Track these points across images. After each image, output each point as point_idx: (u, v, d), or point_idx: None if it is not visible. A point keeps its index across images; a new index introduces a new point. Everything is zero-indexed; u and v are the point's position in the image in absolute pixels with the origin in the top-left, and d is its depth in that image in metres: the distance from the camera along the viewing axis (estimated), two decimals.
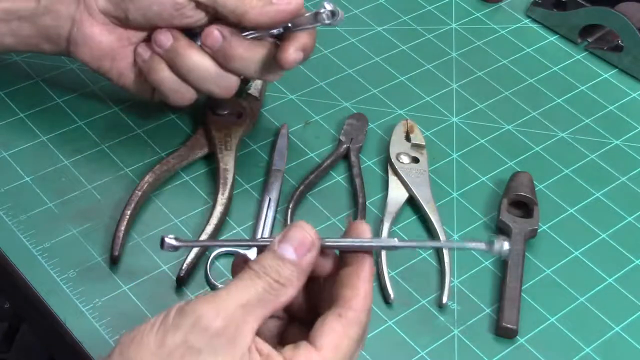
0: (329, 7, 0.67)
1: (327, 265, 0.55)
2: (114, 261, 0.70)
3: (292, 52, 0.69)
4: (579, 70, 0.92)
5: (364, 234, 0.55)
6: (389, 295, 0.70)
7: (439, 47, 0.93)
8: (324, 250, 0.55)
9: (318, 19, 0.68)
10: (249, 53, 0.71)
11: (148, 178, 0.74)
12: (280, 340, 0.56)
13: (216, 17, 0.71)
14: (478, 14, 0.97)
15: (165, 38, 0.71)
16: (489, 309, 0.70)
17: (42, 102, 0.81)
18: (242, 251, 0.70)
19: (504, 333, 0.69)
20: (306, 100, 0.85)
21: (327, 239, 0.55)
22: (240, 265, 0.55)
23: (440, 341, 0.68)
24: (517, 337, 0.69)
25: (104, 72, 0.74)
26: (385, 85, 0.88)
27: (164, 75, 0.72)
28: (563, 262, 0.75)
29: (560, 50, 0.94)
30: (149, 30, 0.72)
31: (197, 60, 0.71)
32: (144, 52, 0.73)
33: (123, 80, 0.75)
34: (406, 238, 0.74)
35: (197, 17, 0.71)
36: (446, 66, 0.90)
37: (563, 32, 0.95)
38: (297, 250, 0.53)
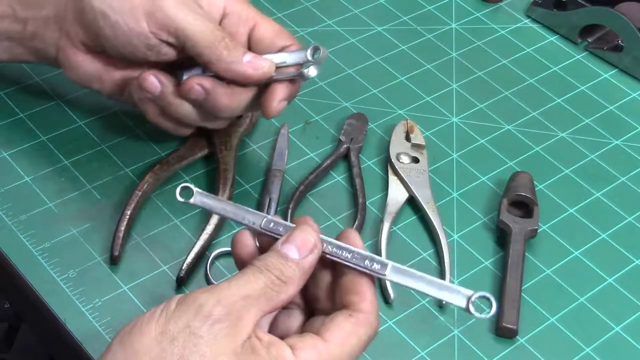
0: (313, 72, 0.68)
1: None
2: (114, 261, 0.70)
3: (275, 104, 0.69)
4: (579, 70, 0.92)
5: (355, 243, 0.56)
6: (389, 295, 0.70)
7: (439, 47, 0.93)
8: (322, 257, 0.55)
9: (303, 75, 0.68)
10: (234, 101, 0.70)
11: (148, 178, 0.74)
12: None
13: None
14: (478, 14, 0.97)
15: (152, 85, 0.70)
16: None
17: (42, 102, 0.81)
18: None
19: (504, 333, 0.69)
20: (306, 100, 0.85)
21: (327, 244, 0.55)
22: (243, 241, 0.56)
23: (440, 341, 0.68)
24: (517, 337, 0.69)
25: (95, 90, 0.75)
26: (385, 85, 0.88)
27: (158, 118, 0.73)
28: (563, 262, 0.75)
29: (560, 50, 0.94)
30: (132, 60, 0.72)
31: (187, 109, 0.71)
32: (136, 93, 0.72)
33: (116, 97, 0.75)
34: (406, 238, 0.74)
35: (171, 54, 0.70)
36: (446, 66, 0.90)
37: (563, 32, 0.95)
38: (299, 250, 0.54)
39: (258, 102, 0.70)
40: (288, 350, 0.51)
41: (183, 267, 0.69)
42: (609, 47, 0.93)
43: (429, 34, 0.94)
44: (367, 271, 0.55)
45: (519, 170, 0.80)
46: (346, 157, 0.80)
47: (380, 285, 0.70)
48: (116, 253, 0.70)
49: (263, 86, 0.70)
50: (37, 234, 0.71)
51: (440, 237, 0.73)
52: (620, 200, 0.80)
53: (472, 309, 0.54)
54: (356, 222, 0.74)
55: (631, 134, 0.86)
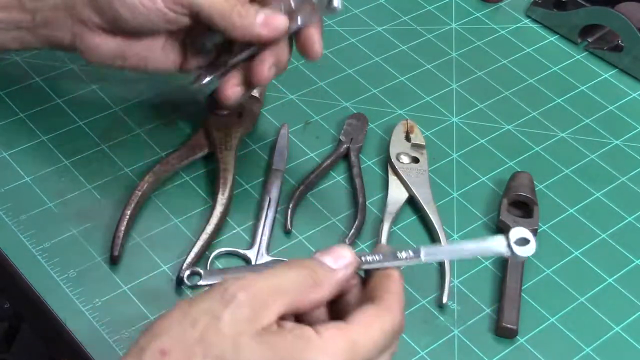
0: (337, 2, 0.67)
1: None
2: (114, 261, 0.70)
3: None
4: (579, 70, 0.92)
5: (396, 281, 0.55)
6: None
7: (439, 47, 0.93)
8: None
9: (332, 8, 0.68)
10: (271, 69, 0.70)
11: (148, 178, 0.74)
12: None
13: None
14: (478, 14, 0.97)
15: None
16: (489, 309, 0.70)
17: (42, 102, 0.81)
18: (241, 251, 0.71)
19: (504, 333, 0.69)
20: (306, 100, 0.85)
21: (367, 260, 0.55)
22: None
23: (440, 341, 0.68)
24: (517, 337, 0.69)
25: (118, 67, 0.74)
26: (385, 85, 0.88)
27: None
28: (563, 262, 0.75)
29: (560, 50, 0.94)
30: (153, 33, 0.72)
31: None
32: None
33: (141, 69, 0.74)
34: (406, 238, 0.74)
35: (190, 21, 0.70)
36: (446, 66, 0.90)
37: (563, 32, 0.95)
38: (335, 261, 0.54)
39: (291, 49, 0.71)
40: (311, 330, 0.50)
41: (183, 267, 0.69)
42: (609, 47, 0.93)
43: (429, 34, 0.94)
44: (404, 263, 0.55)
45: (519, 170, 0.80)
46: (346, 157, 0.80)
47: None
48: (116, 253, 0.70)
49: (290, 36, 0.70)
50: (37, 234, 0.71)
51: (440, 237, 0.73)
52: (620, 200, 0.80)
53: (516, 249, 0.53)
54: (356, 222, 0.74)
55: (631, 134, 0.86)
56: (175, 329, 0.50)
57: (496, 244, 0.54)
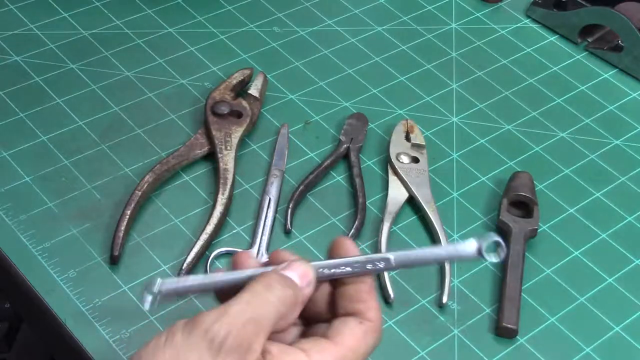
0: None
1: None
2: (114, 261, 0.70)
3: None
4: (579, 70, 0.92)
5: (350, 251, 0.55)
6: (389, 295, 0.70)
7: (439, 47, 0.93)
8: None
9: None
10: None
11: (148, 178, 0.74)
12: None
13: None
14: (478, 14, 0.97)
15: None
16: (489, 309, 0.70)
17: (42, 102, 0.81)
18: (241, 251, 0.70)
19: (504, 333, 0.69)
20: (306, 100, 0.85)
21: (324, 268, 0.54)
22: (242, 260, 0.55)
23: (440, 341, 0.68)
24: (517, 337, 0.69)
25: None
26: (385, 85, 0.88)
27: None
28: (563, 262, 0.75)
29: (560, 50, 0.94)
30: None
31: None
32: None
33: None
34: (406, 238, 0.74)
35: None
36: (446, 66, 0.90)
37: (563, 32, 0.95)
38: (300, 279, 0.53)
39: None
40: (301, 354, 0.50)
41: (183, 267, 0.69)
42: (609, 47, 0.93)
43: (429, 34, 0.94)
44: (374, 272, 0.54)
45: (519, 170, 0.80)
46: (346, 157, 0.80)
47: (380, 285, 0.70)
48: (116, 253, 0.70)
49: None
50: (37, 234, 0.71)
51: (440, 237, 0.73)
52: (620, 200, 0.80)
53: (486, 255, 0.53)
54: (356, 222, 0.74)
55: (631, 134, 0.86)
56: None
57: (467, 248, 0.53)
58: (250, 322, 0.50)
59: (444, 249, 0.55)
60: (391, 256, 0.54)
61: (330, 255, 0.55)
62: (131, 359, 0.50)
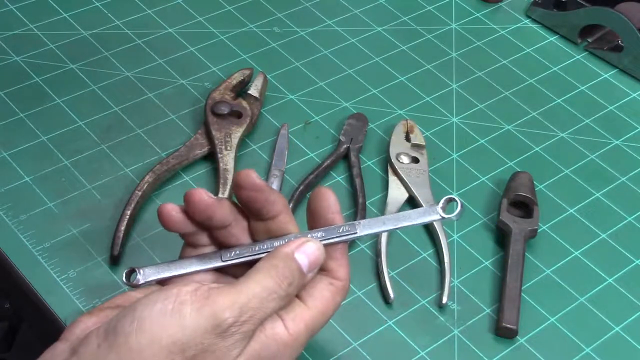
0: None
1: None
2: (114, 261, 0.70)
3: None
4: (579, 70, 0.92)
5: (328, 200, 0.59)
6: (389, 295, 0.70)
7: (439, 47, 0.93)
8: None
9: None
10: None
11: (148, 178, 0.74)
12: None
13: None
14: (478, 14, 0.97)
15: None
16: (489, 309, 0.70)
17: (42, 102, 0.81)
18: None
19: (504, 333, 0.69)
20: (306, 100, 0.85)
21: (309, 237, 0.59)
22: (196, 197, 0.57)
23: (440, 341, 0.68)
24: (517, 337, 0.69)
25: None
26: (385, 85, 0.88)
27: None
28: (563, 262, 0.75)
29: (560, 50, 0.94)
30: None
31: None
32: None
33: None
34: (406, 238, 0.74)
35: None
36: (446, 66, 0.90)
37: (563, 32, 0.95)
38: (310, 265, 0.56)
39: None
40: (279, 322, 0.54)
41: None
42: (609, 47, 0.93)
43: (429, 34, 0.94)
44: (343, 239, 0.58)
45: (519, 170, 0.80)
46: (346, 157, 0.80)
47: (380, 285, 0.70)
48: (116, 253, 0.70)
49: None
50: (37, 234, 0.71)
51: (440, 237, 0.73)
52: (620, 200, 0.80)
53: (444, 214, 0.58)
54: None
55: (631, 134, 0.86)
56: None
57: (428, 209, 0.58)
58: (253, 298, 0.53)
59: (406, 213, 0.59)
60: (358, 223, 0.59)
61: (309, 204, 0.60)
62: (123, 306, 0.53)
